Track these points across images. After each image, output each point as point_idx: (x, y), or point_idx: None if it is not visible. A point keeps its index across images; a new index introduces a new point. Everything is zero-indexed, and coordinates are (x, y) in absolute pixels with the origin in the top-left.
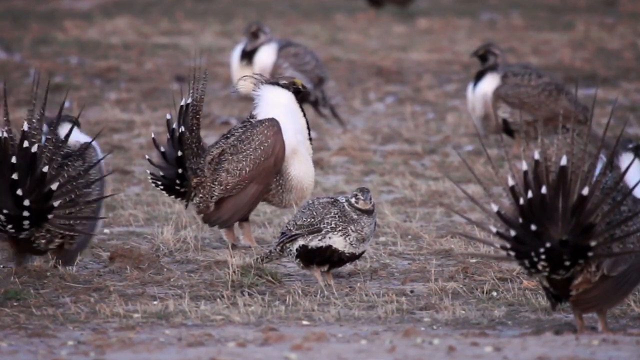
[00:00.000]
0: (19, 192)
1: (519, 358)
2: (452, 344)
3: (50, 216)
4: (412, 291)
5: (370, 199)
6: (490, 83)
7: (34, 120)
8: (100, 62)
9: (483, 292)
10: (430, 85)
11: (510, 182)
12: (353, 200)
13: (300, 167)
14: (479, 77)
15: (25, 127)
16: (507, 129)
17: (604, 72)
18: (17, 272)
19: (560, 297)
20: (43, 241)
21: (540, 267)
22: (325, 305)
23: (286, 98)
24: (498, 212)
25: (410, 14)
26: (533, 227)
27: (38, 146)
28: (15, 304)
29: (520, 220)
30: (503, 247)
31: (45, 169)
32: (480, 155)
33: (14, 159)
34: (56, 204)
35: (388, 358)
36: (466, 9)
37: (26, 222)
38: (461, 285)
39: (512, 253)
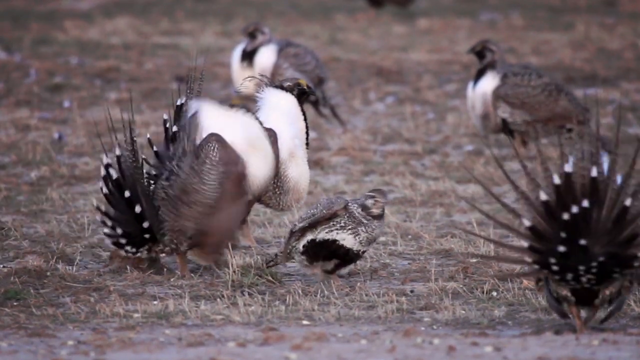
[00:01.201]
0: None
1: (519, 358)
2: (452, 343)
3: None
4: (412, 291)
5: (385, 203)
6: (490, 82)
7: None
8: (100, 62)
9: (483, 292)
10: (430, 85)
11: (544, 197)
12: (370, 202)
13: (297, 170)
14: (479, 75)
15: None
16: (506, 128)
17: (604, 72)
18: (17, 272)
19: (581, 303)
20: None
21: (584, 280)
22: (325, 305)
23: (288, 102)
24: (532, 228)
25: (410, 14)
26: (582, 242)
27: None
28: (15, 304)
29: (564, 235)
30: (538, 262)
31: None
32: (481, 155)
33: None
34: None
35: (388, 358)
36: (466, 9)
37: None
38: (461, 285)
39: (555, 268)
